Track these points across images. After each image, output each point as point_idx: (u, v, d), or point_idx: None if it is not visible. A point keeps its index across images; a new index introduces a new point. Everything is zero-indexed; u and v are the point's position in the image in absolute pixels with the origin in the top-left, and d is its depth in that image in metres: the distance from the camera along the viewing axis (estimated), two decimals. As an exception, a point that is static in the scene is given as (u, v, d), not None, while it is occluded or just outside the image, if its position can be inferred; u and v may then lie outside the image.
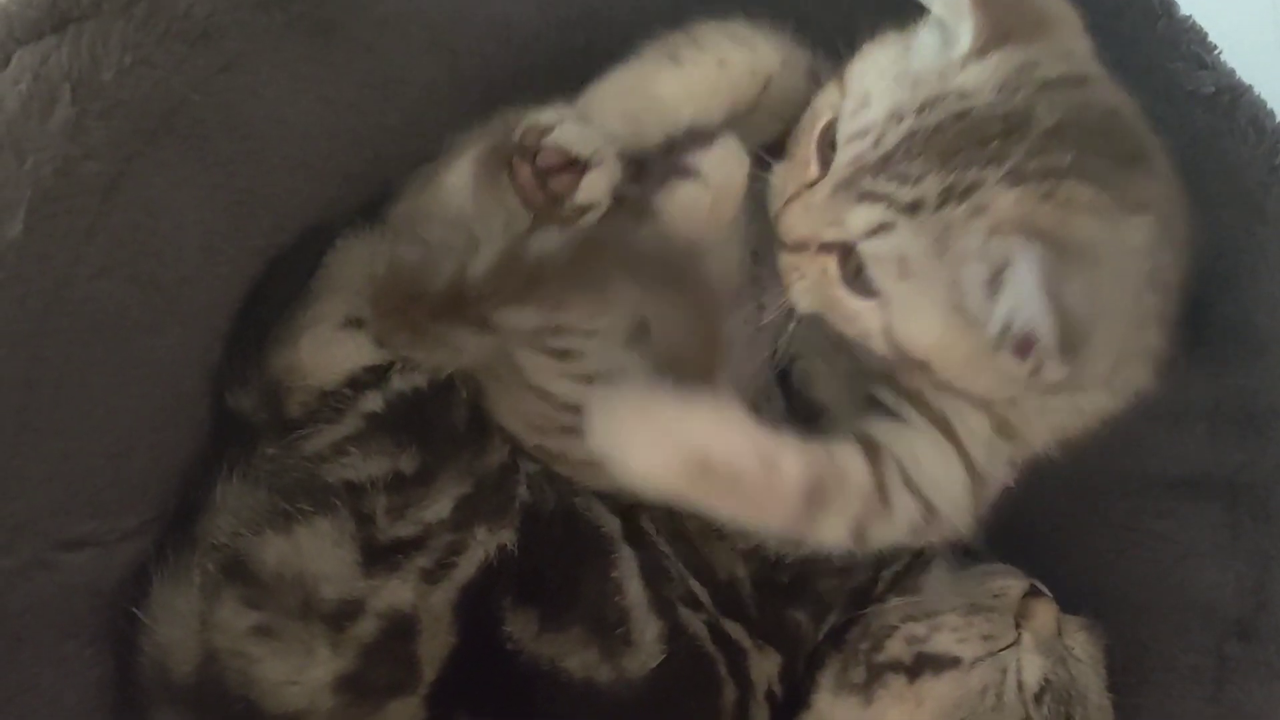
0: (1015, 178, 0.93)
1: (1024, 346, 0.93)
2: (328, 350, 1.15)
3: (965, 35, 0.99)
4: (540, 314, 1.05)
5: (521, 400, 1.14)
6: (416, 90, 1.16)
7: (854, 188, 0.99)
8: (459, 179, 1.11)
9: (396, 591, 1.09)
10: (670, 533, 1.22)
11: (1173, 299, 1.03)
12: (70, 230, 0.98)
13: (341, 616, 1.08)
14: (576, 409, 1.08)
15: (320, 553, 1.10)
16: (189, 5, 0.97)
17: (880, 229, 0.98)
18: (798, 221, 1.05)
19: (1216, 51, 1.13)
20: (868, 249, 0.99)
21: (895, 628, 1.21)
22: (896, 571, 1.27)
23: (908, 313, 1.00)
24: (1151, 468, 1.26)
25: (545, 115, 1.06)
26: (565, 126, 1.06)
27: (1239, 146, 1.13)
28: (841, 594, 1.24)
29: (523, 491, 1.18)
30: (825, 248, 1.03)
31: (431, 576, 1.11)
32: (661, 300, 1.01)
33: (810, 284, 1.06)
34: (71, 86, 0.94)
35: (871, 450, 1.07)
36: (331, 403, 1.14)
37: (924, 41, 1.03)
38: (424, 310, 1.08)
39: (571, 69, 1.18)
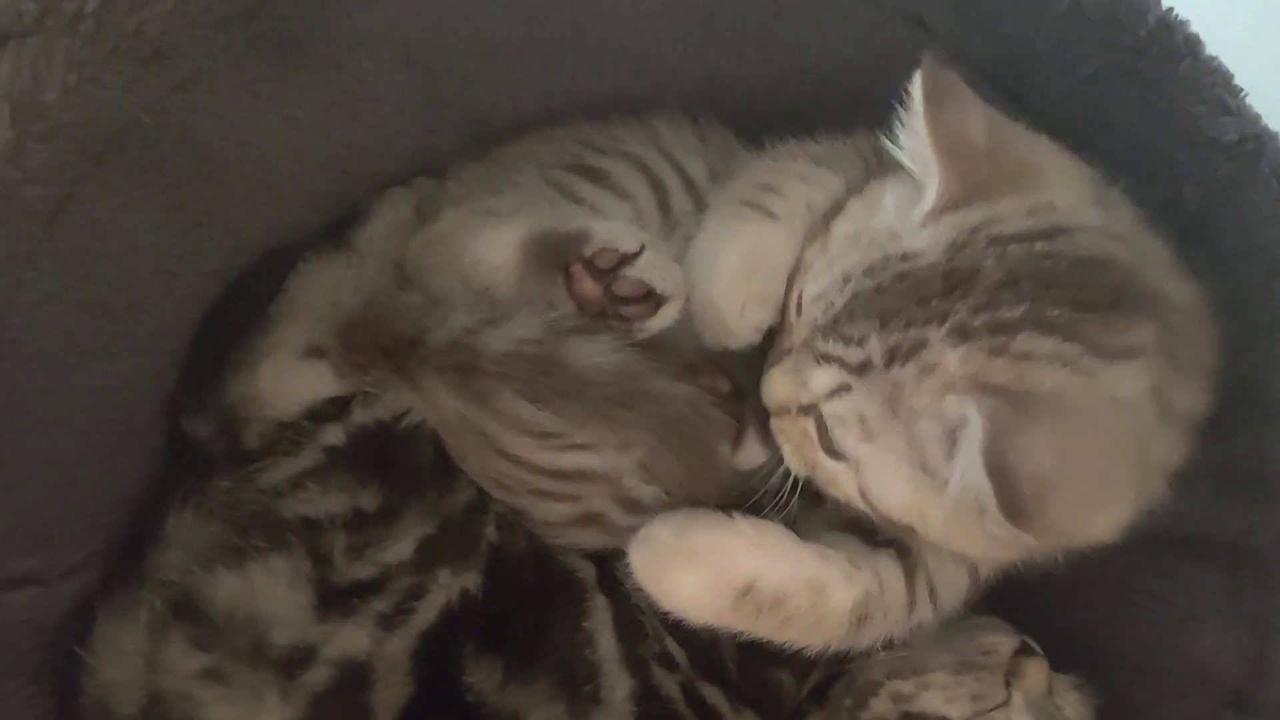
0: (959, 335, 0.88)
1: (991, 508, 0.86)
2: (287, 380, 1.11)
3: (929, 192, 0.95)
4: (543, 415, 1.02)
5: (491, 461, 1.09)
6: (388, 109, 1.10)
7: (813, 350, 0.97)
8: (498, 258, 1.05)
9: (351, 638, 1.05)
10: (645, 589, 1.17)
11: (1195, 421, 0.97)
12: (12, 256, 0.93)
13: (293, 663, 1.03)
14: (553, 474, 1.06)
15: (274, 593, 1.05)
16: (140, 22, 0.91)
17: (839, 390, 0.95)
18: (777, 384, 1.03)
19: (1243, 95, 1.05)
20: (829, 410, 0.97)
21: (881, 684, 1.15)
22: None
23: (878, 475, 0.96)
24: (1152, 525, 1.19)
25: (626, 239, 1.02)
26: (648, 259, 1.02)
27: (1260, 199, 1.05)
28: (826, 650, 1.19)
29: (490, 532, 1.12)
30: (803, 410, 1.01)
31: (389, 622, 1.06)
32: (667, 455, 1.03)
33: (794, 448, 1.03)
34: (11, 107, 0.88)
35: (907, 561, 1.06)
36: (290, 434, 1.10)
37: (890, 199, 0.99)
38: (408, 357, 1.03)
39: (558, 90, 1.13)
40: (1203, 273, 1.04)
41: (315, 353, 1.11)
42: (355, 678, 1.04)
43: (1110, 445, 0.87)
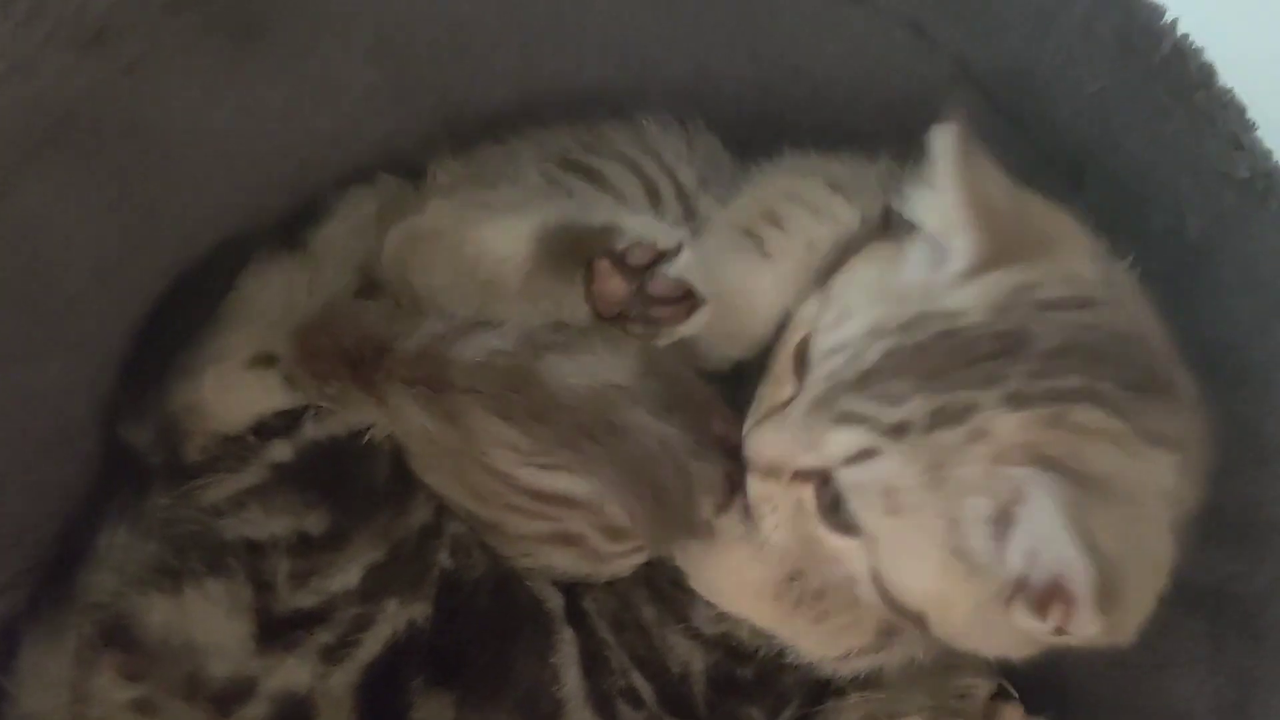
0: (1017, 400, 0.81)
1: (1045, 599, 0.80)
2: (234, 391, 1.02)
3: (960, 253, 0.88)
4: (516, 434, 0.94)
5: (468, 471, 1.01)
6: (354, 97, 1.03)
7: (831, 407, 0.87)
8: (508, 248, 0.97)
9: (292, 671, 0.97)
10: (614, 619, 1.09)
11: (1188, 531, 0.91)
12: None
13: (230, 698, 0.96)
14: (533, 493, 0.99)
15: (211, 621, 0.97)
16: (81, 3, 0.82)
17: (861, 455, 0.85)
18: (769, 442, 0.93)
19: (1255, 131, 1.01)
20: (848, 478, 0.87)
21: (856, 728, 1.12)
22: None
23: (898, 555, 0.87)
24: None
25: (662, 235, 0.94)
26: (687, 257, 0.94)
27: (1267, 232, 1.01)
28: (801, 687, 1.11)
29: (443, 558, 1.05)
30: (800, 475, 0.91)
31: (332, 655, 0.99)
32: (629, 497, 0.96)
33: (784, 518, 0.93)
34: None
35: None
36: (234, 449, 1.02)
37: (913, 256, 0.91)
38: (374, 368, 0.96)
39: (536, 81, 1.06)
40: (1200, 306, 1.01)
41: (264, 361, 1.02)
42: (296, 714, 0.97)
43: (1159, 535, 0.82)
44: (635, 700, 1.07)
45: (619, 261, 0.93)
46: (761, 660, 1.07)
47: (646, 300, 0.94)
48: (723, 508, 0.98)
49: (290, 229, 1.07)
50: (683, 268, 0.93)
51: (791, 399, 0.92)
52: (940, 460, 0.82)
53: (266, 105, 0.98)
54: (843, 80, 1.10)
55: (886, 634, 0.99)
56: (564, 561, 1.06)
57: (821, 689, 1.10)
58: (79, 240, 0.93)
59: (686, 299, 0.94)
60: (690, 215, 1.08)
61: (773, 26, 1.07)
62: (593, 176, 1.08)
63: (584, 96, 1.12)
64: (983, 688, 1.12)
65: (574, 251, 0.95)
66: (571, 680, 1.05)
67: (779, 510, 0.93)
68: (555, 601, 1.08)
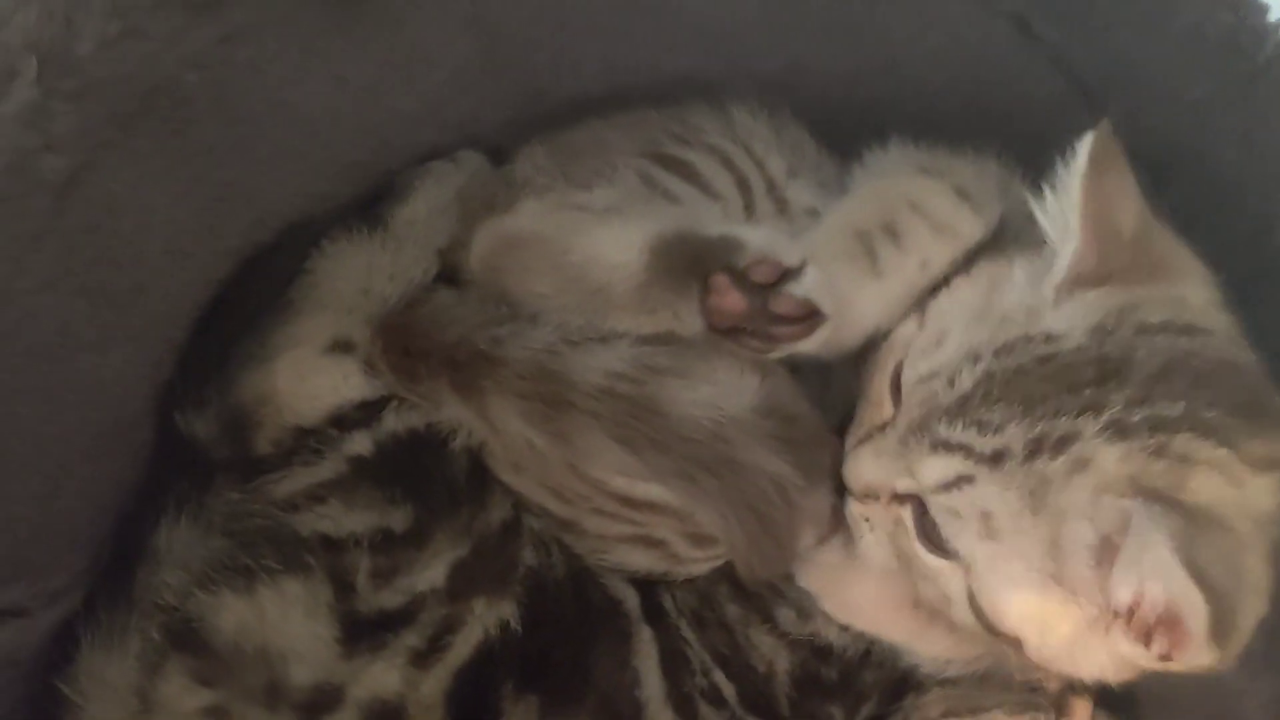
0: (1118, 430, 0.80)
1: (1151, 628, 0.79)
2: (310, 379, 0.96)
3: (1065, 262, 0.87)
4: (629, 460, 0.91)
5: (554, 474, 0.97)
6: (444, 74, 0.97)
7: (926, 434, 0.86)
8: (621, 256, 0.92)
9: (380, 677, 0.93)
10: (695, 617, 1.06)
11: None
12: (14, 237, 0.78)
13: (317, 706, 0.91)
14: (622, 500, 0.96)
15: (289, 623, 0.92)
16: (198, -34, 0.75)
17: (958, 481, 0.85)
18: (867, 467, 0.92)
19: (1354, 138, 1.02)
20: (943, 503, 0.86)
21: (935, 723, 1.12)
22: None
23: (995, 580, 0.86)
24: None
25: (786, 252, 0.90)
26: (813, 274, 0.90)
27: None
28: (881, 684, 1.10)
29: (527, 555, 1.01)
30: (899, 498, 0.90)
31: (422, 659, 0.94)
32: (738, 531, 0.94)
33: (881, 536, 0.93)
34: (38, 60, 0.73)
35: None
36: (311, 442, 0.96)
37: (1019, 276, 0.90)
38: (480, 374, 0.91)
39: (626, 65, 1.01)
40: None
41: (342, 347, 0.97)
42: (387, 723, 0.94)
43: (1260, 561, 0.81)
44: (717, 699, 1.04)
45: (739, 278, 0.90)
46: (846, 659, 1.05)
47: (768, 318, 0.91)
48: (825, 539, 0.97)
49: (367, 206, 1.01)
50: (810, 286, 0.90)
51: (888, 422, 0.92)
52: (1039, 488, 0.82)
53: (356, 79, 0.92)
54: (936, 73, 1.07)
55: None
56: (641, 561, 1.03)
57: (900, 685, 1.09)
58: (156, 221, 0.87)
59: (810, 317, 0.91)
60: (781, 208, 1.04)
61: (871, 17, 1.04)
62: (685, 171, 1.04)
63: (671, 83, 1.07)
64: (1053, 681, 1.13)
65: (691, 264, 0.91)
66: (652, 682, 1.02)
67: (876, 530, 0.93)
68: (632, 601, 1.05)
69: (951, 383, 0.86)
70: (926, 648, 1.00)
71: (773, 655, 1.06)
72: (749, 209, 1.03)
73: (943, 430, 0.85)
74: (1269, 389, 0.88)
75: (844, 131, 1.09)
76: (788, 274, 0.89)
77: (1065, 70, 1.06)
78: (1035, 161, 0.98)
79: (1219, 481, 0.81)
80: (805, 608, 1.05)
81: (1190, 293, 0.90)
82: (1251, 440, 0.83)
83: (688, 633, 1.05)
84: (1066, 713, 1.11)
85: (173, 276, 0.91)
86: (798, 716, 1.06)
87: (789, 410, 0.94)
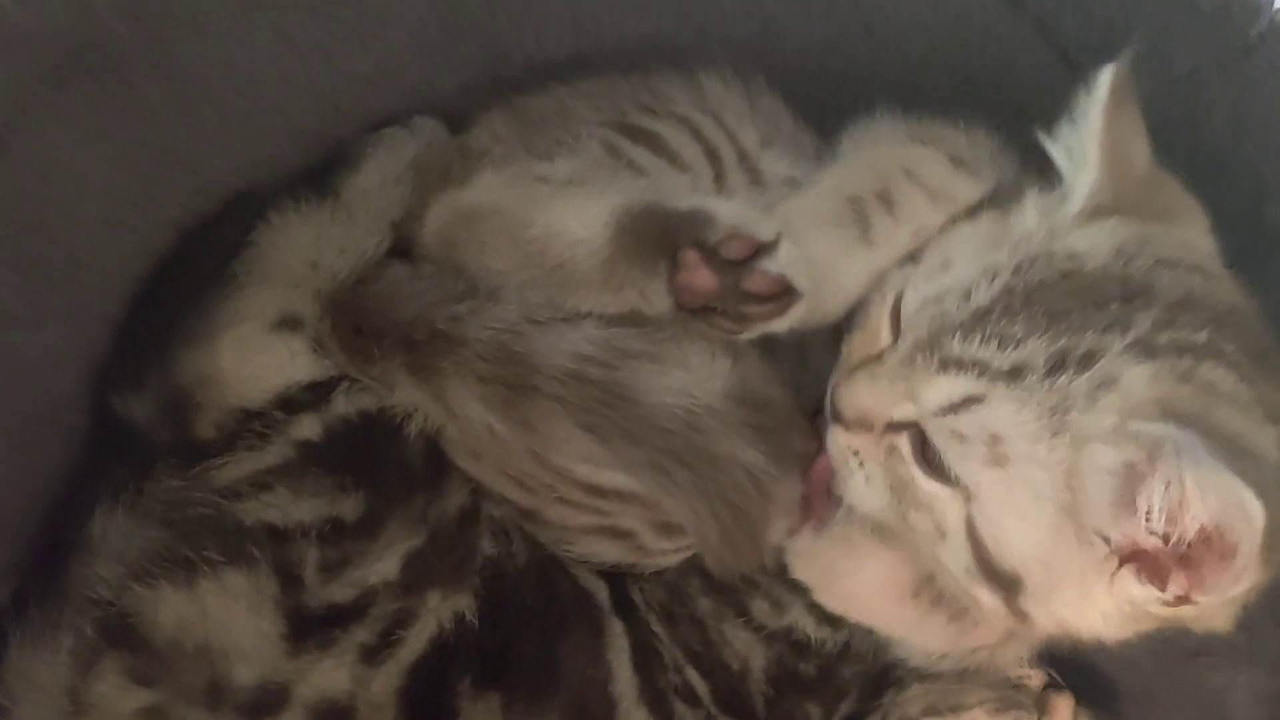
0: (1145, 349, 0.76)
1: (1167, 566, 0.75)
2: (255, 358, 0.91)
3: (1084, 190, 0.84)
4: (596, 448, 0.86)
5: (516, 459, 0.92)
6: (400, 34, 0.92)
7: (934, 352, 0.81)
8: (583, 230, 0.87)
9: (329, 675, 0.88)
10: (665, 612, 1.02)
11: None
12: None
13: (260, 707, 0.86)
14: (587, 488, 0.91)
15: (231, 619, 0.87)
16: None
17: (966, 403, 0.79)
18: (863, 392, 0.86)
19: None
20: (946, 425, 0.81)
21: (916, 720, 1.10)
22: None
23: (1000, 511, 0.81)
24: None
25: (759, 225, 0.85)
26: (787, 250, 0.85)
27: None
28: (859, 679, 1.07)
29: (486, 544, 0.96)
30: (893, 428, 0.85)
31: (373, 655, 0.89)
32: (711, 524, 0.89)
33: (874, 470, 0.87)
34: None
35: None
36: (256, 425, 0.90)
37: (1030, 205, 0.87)
38: (438, 355, 0.86)
39: (592, 27, 0.96)
40: (1271, 293, 0.99)
41: (289, 324, 0.91)
42: (335, 724, 0.89)
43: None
44: (691, 698, 1.00)
45: (710, 254, 0.85)
46: (825, 654, 1.01)
47: (740, 296, 0.86)
48: (795, 531, 0.93)
49: (315, 175, 0.95)
50: (785, 263, 0.85)
51: (885, 349, 0.87)
52: (1060, 407, 0.77)
53: (304, 38, 0.87)
54: (917, 41, 1.03)
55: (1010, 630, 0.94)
56: (607, 553, 0.98)
57: (880, 681, 1.06)
58: (91, 188, 0.82)
59: (784, 295, 0.86)
60: (754, 179, 1.00)
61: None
62: (651, 141, 0.99)
63: (639, 48, 1.02)
64: (1035, 677, 1.10)
65: (658, 238, 0.86)
66: (624, 677, 0.98)
67: (867, 463, 0.87)
68: (603, 593, 1.00)
69: (967, 297, 0.81)
70: (923, 640, 0.97)
71: (747, 651, 1.01)
72: (719, 180, 0.98)
73: (955, 346, 0.80)
74: (1274, 340, 0.85)
75: (820, 102, 1.05)
76: (761, 249, 0.85)
77: (1051, 39, 1.02)
78: (1019, 133, 0.95)
79: (1242, 419, 0.77)
80: (780, 599, 1.00)
81: (1198, 238, 0.88)
82: (1266, 385, 0.79)
83: (657, 628, 1.01)
84: (1049, 711, 1.08)
85: (109, 248, 0.86)
86: (774, 715, 1.02)
87: (761, 395, 0.90)
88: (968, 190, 0.92)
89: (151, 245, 0.89)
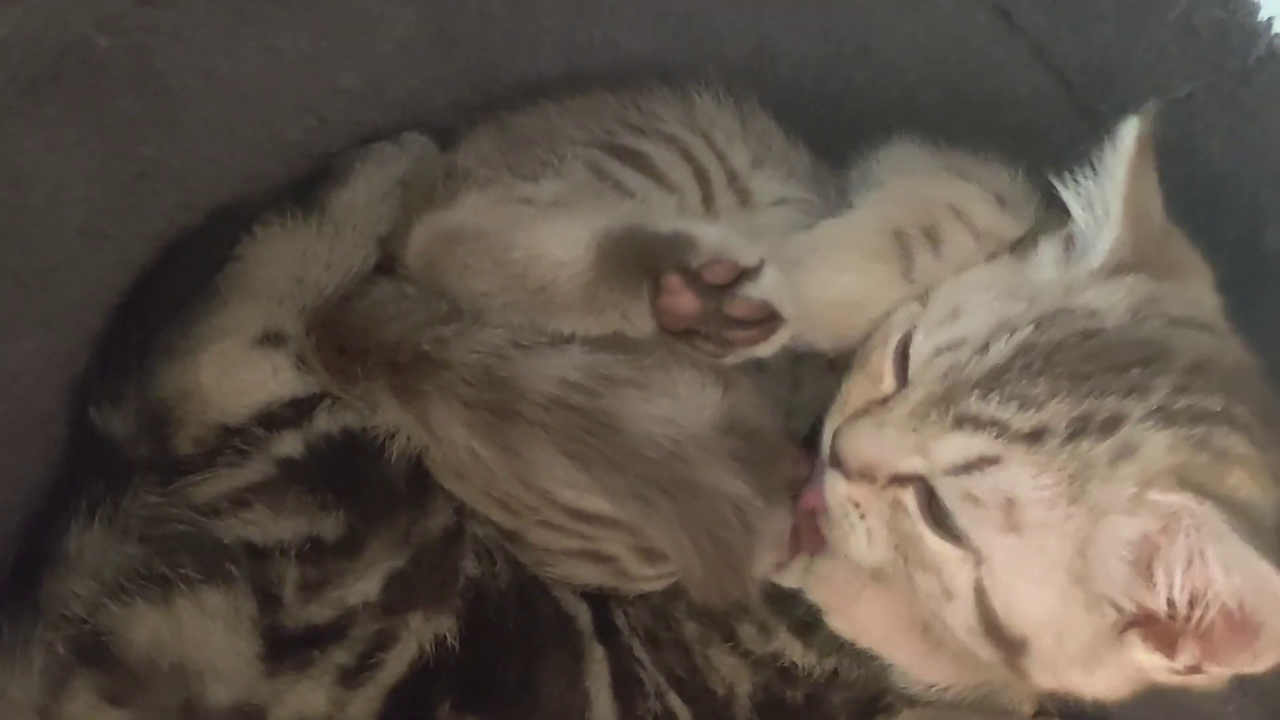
0: (1165, 417, 0.75)
1: (1175, 637, 0.74)
2: (237, 374, 0.89)
3: (1106, 246, 0.82)
4: (579, 475, 0.84)
5: (500, 482, 0.90)
6: (388, 47, 0.91)
7: (949, 407, 0.79)
8: (566, 253, 0.85)
9: (307, 697, 0.86)
10: (649, 635, 1.01)
11: None
12: None
13: (236, 730, 0.85)
14: (571, 512, 0.89)
15: (208, 638, 0.85)
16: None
17: (979, 463, 0.77)
18: (867, 442, 0.83)
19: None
20: (959, 487, 0.79)
21: (908, 748, 1.07)
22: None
23: (1013, 577, 0.79)
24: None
25: (742, 251, 0.83)
26: (771, 276, 0.83)
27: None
28: (848, 706, 1.04)
29: (469, 564, 0.94)
30: (899, 480, 0.82)
31: (352, 678, 0.88)
32: (693, 556, 0.86)
33: (876, 524, 0.84)
34: None
35: None
36: (236, 442, 0.89)
37: (1045, 254, 0.86)
38: (421, 376, 0.84)
39: (585, 44, 0.95)
40: (1268, 320, 0.98)
41: (273, 340, 0.90)
42: (312, 748, 0.87)
43: None
44: (671, 724, 1.00)
45: (693, 278, 0.83)
46: (813, 680, 1.00)
47: (723, 321, 0.84)
48: (783, 564, 0.91)
49: (301, 189, 0.94)
50: (768, 289, 0.83)
51: (890, 396, 0.84)
52: (1080, 475, 0.75)
53: (291, 50, 0.86)
54: (914, 62, 1.03)
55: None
56: (590, 576, 0.97)
57: (869, 708, 1.03)
58: (69, 198, 0.81)
59: (768, 320, 0.84)
60: (744, 200, 0.98)
61: (848, 2, 0.99)
62: (638, 162, 0.97)
63: (633, 65, 1.01)
64: (1027, 704, 1.09)
65: (640, 261, 0.84)
66: (602, 703, 0.97)
67: (869, 516, 0.84)
68: (585, 617, 0.99)
69: (983, 351, 0.79)
70: (929, 673, 0.95)
71: (733, 677, 1.00)
72: (708, 202, 0.97)
73: (973, 404, 0.78)
74: (1275, 398, 0.83)
75: (816, 123, 1.04)
76: (744, 274, 0.82)
77: (1048, 62, 1.01)
78: (1016, 156, 0.94)
79: (1251, 481, 0.76)
80: (767, 624, 0.99)
81: (1203, 296, 0.86)
82: (1273, 448, 0.78)
83: (640, 653, 1.00)
84: (1041, 734, 1.07)
85: (88, 259, 0.85)
86: (757, 742, 1.02)
87: (751, 424, 0.88)
88: (1012, 233, 0.90)
89: (132, 257, 0.88)
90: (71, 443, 0.93)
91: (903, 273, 0.89)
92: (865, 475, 0.83)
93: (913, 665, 0.94)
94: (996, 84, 1.01)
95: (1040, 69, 1.01)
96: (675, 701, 0.99)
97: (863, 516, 0.85)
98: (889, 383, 0.85)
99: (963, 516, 0.78)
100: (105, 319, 0.89)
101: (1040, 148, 0.92)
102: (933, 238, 0.89)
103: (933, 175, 0.94)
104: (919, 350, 0.83)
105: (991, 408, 0.77)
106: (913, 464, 0.80)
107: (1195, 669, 0.74)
